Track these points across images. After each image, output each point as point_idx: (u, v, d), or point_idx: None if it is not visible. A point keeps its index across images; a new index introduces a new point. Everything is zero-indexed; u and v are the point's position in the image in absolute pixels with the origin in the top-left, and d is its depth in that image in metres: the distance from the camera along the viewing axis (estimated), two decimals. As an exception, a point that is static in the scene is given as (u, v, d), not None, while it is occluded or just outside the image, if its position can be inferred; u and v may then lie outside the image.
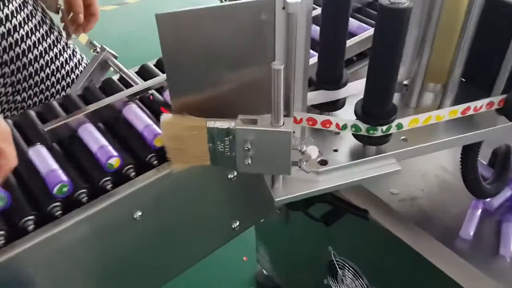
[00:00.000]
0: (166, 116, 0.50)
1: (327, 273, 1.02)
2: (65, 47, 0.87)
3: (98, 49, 0.67)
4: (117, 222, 0.52)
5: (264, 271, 1.41)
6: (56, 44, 0.85)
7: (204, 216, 0.62)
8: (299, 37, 0.48)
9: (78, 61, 0.90)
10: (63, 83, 0.86)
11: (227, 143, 0.51)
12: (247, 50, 0.50)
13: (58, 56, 0.85)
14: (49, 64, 0.83)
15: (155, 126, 0.57)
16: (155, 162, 0.55)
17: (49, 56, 0.83)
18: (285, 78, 0.46)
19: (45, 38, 0.82)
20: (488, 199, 0.78)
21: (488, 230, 0.77)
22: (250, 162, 0.51)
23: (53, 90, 0.85)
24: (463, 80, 0.63)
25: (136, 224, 0.53)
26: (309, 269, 1.13)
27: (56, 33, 0.86)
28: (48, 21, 0.85)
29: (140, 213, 0.53)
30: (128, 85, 0.63)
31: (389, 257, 0.83)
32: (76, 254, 0.52)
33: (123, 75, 0.64)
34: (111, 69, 0.69)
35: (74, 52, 0.90)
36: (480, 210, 0.77)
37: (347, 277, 0.96)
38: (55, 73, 0.85)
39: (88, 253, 0.53)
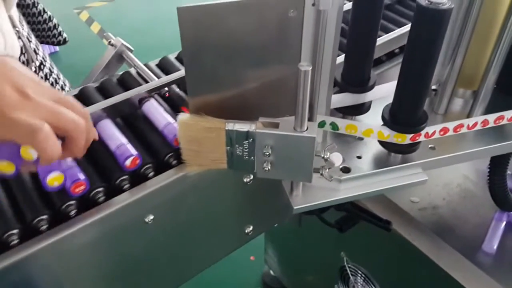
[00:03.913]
0: (182, 116, 0.47)
1: (338, 279, 0.99)
2: (41, 66, 0.76)
3: (113, 41, 0.64)
4: (128, 226, 0.49)
5: (272, 272, 1.39)
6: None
7: (216, 220, 0.60)
8: (328, 36, 0.45)
9: (55, 80, 0.80)
10: None
11: (246, 147, 0.48)
12: (270, 48, 0.47)
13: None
14: None
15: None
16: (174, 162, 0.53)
17: None
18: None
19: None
20: (512, 212, 0.75)
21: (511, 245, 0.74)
22: (269, 167, 0.48)
23: None
24: (495, 87, 0.60)
25: (147, 228, 0.51)
26: (319, 273, 1.10)
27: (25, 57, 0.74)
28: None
29: (152, 217, 0.50)
30: (144, 79, 0.60)
31: (406, 267, 0.80)
32: (86, 257, 0.49)
33: (138, 70, 0.61)
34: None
35: (51, 71, 0.79)
36: (504, 223, 0.74)
37: (359, 284, 0.93)
38: None
39: (98, 256, 0.50)
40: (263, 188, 0.60)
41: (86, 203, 0.48)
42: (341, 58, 0.58)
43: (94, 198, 0.48)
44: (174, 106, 0.58)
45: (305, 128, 0.46)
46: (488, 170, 0.67)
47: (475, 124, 0.56)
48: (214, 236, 0.61)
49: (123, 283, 0.55)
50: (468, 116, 0.61)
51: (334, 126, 0.53)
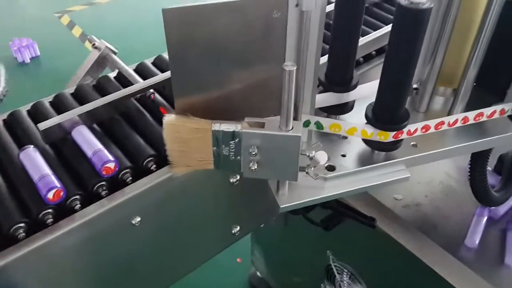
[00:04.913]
0: (168, 117, 0.48)
1: (325, 278, 0.99)
2: None
3: (97, 44, 0.64)
4: (115, 228, 0.49)
5: (259, 274, 1.39)
6: None
7: (204, 221, 0.60)
8: (311, 36, 0.46)
9: None
10: None
11: (232, 147, 0.48)
12: (255, 49, 0.47)
13: None
14: None
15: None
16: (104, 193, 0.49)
17: None
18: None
19: None
20: (493, 207, 0.77)
21: (493, 239, 0.75)
22: (256, 167, 0.48)
23: None
24: (474, 84, 0.62)
25: (134, 230, 0.51)
26: (306, 273, 1.11)
27: None
28: None
29: (139, 219, 0.50)
30: (126, 83, 0.60)
31: (391, 264, 0.81)
32: (73, 261, 0.49)
33: (123, 72, 0.61)
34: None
35: None
36: (485, 218, 0.76)
37: (345, 282, 0.94)
38: None
39: (85, 259, 0.50)
40: (249, 188, 0.60)
41: (7, 239, 0.45)
42: (324, 59, 0.59)
43: (14, 234, 0.45)
44: (158, 110, 0.58)
45: (291, 127, 0.46)
46: (469, 166, 0.69)
47: (456, 121, 0.57)
48: (202, 236, 0.61)
49: (109, 286, 0.54)
50: (449, 113, 0.62)
51: (318, 125, 0.54)
